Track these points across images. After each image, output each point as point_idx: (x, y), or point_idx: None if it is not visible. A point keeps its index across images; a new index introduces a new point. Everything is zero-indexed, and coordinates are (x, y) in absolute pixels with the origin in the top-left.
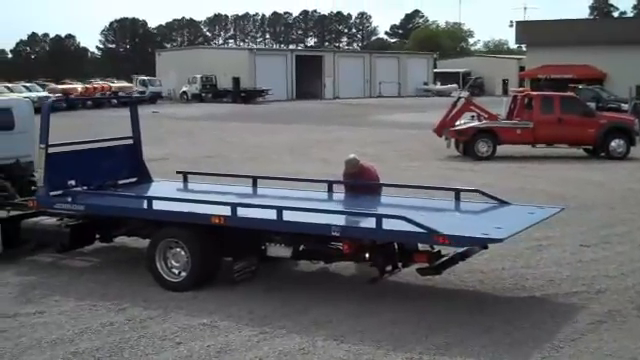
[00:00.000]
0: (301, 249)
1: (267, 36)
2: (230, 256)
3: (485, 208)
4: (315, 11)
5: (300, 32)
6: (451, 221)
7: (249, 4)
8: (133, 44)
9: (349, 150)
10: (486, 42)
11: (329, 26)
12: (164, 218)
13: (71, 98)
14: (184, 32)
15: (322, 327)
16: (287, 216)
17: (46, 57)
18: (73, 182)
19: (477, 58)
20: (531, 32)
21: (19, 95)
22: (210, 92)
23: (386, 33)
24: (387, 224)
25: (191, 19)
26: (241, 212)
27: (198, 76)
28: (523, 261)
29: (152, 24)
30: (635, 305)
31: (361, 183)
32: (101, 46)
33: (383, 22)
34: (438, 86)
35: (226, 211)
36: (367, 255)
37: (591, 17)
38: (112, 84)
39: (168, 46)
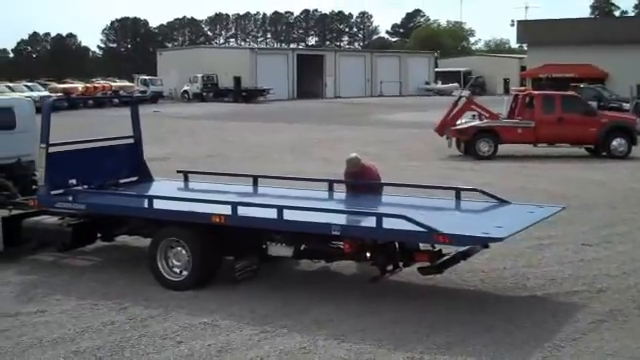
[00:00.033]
0: (302, 248)
1: (268, 35)
2: (231, 255)
3: (485, 207)
4: (316, 10)
5: (301, 31)
6: (451, 220)
7: (250, 3)
8: (134, 43)
9: (350, 149)
10: (487, 41)
11: (330, 25)
12: (164, 217)
13: (72, 97)
14: (185, 31)
15: (323, 326)
16: (287, 215)
17: (47, 56)
18: (74, 181)
19: (478, 57)
20: (532, 31)
21: (20, 94)
22: (211, 91)
23: (387, 32)
24: (387, 223)
25: (192, 18)
26: (242, 211)
27: (199, 75)
28: (524, 260)
29: (153, 23)
30: (636, 304)
31: (362, 182)
32: (102, 45)
33: (384, 21)
34: (439, 85)
35: (227, 210)
36: (368, 254)
37: (592, 16)
38: (113, 83)
39: (169, 45)
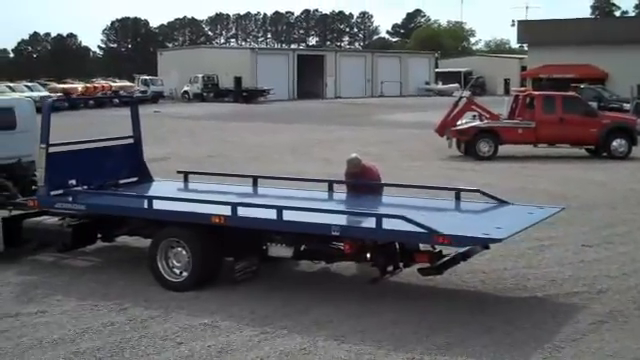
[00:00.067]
0: (302, 249)
1: (269, 35)
2: (231, 256)
3: (485, 208)
4: (317, 10)
5: (302, 31)
6: (451, 221)
7: (251, 3)
8: (135, 43)
9: (351, 150)
10: (488, 41)
11: (331, 25)
12: (164, 218)
13: (73, 98)
14: (186, 31)
15: (323, 327)
16: (287, 216)
17: (48, 56)
18: (74, 182)
19: (479, 57)
20: (533, 32)
21: (21, 95)
22: (212, 92)
23: (388, 32)
24: (387, 224)
25: (193, 18)
26: (241, 212)
27: (200, 75)
28: (525, 261)
29: (154, 23)
30: (637, 305)
31: (362, 183)
32: (103, 45)
33: (385, 21)
34: (440, 86)
35: (226, 211)
36: (368, 255)
37: (593, 16)
38: (114, 84)
39: (170, 45)
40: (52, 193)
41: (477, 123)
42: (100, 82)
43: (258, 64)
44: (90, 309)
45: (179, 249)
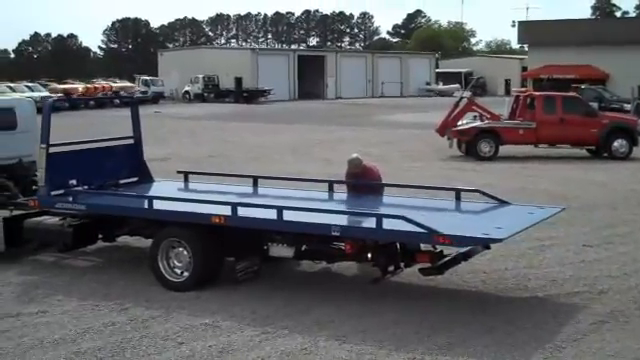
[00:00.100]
0: (303, 249)
1: (269, 36)
2: (232, 256)
3: (486, 208)
4: (317, 11)
5: (302, 32)
6: (452, 221)
7: (251, 4)
8: (135, 44)
9: (351, 150)
10: (488, 42)
11: (331, 26)
12: (164, 218)
13: (73, 98)
14: (186, 32)
15: (324, 327)
16: (287, 216)
17: (48, 57)
18: (74, 182)
19: (479, 58)
20: (533, 32)
21: (21, 95)
22: (212, 92)
23: (388, 33)
24: (387, 224)
25: (193, 19)
26: (241, 212)
27: (200, 76)
28: (526, 261)
29: (154, 24)
30: (638, 305)
31: (362, 183)
32: (103, 46)
33: (385, 22)
34: (440, 86)
35: (226, 211)
36: (369, 255)
37: (593, 17)
38: (114, 84)
39: (170, 46)
40: (53, 193)
41: (478, 123)
42: (101, 82)
43: (259, 64)
44: (91, 309)
45: (180, 249)
